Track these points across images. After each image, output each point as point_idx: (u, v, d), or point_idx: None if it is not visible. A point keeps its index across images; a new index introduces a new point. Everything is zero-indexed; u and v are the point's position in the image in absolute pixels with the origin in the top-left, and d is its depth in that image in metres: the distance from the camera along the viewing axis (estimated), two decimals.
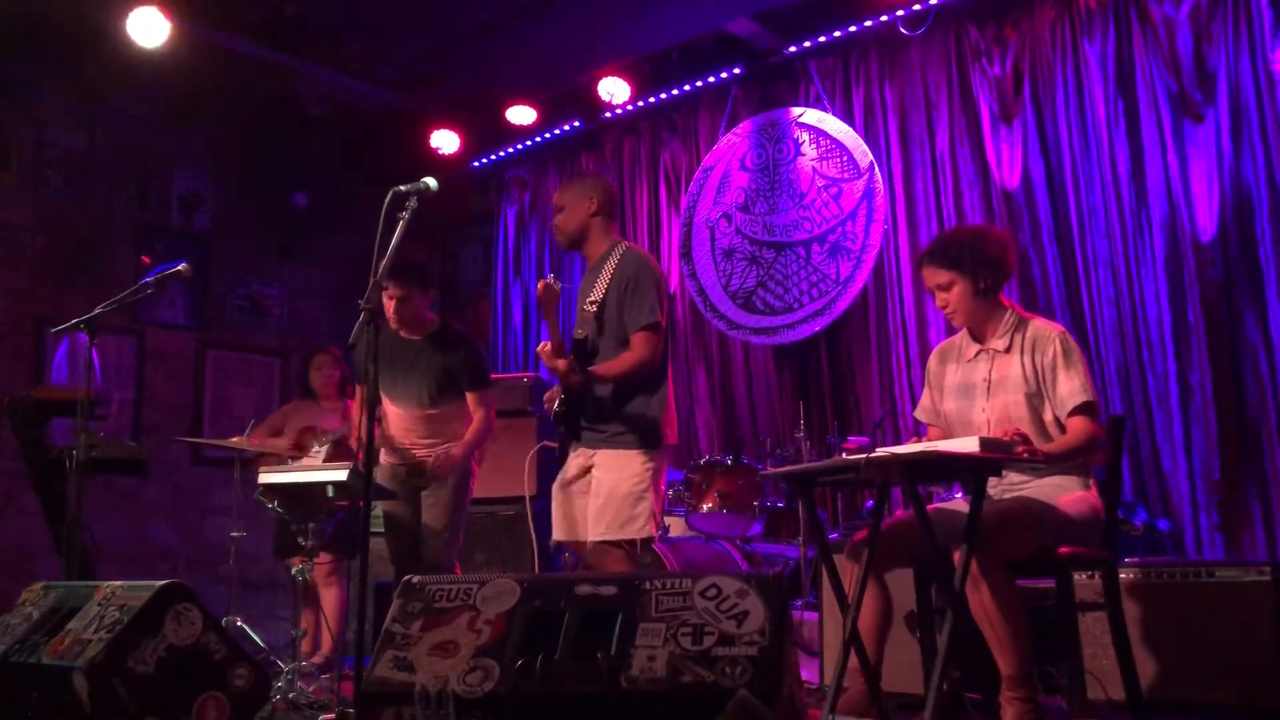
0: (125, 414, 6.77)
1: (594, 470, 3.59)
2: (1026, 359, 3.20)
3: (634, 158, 7.16)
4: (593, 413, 3.59)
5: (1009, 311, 3.31)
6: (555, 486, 3.74)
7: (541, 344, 3.50)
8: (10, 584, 4.45)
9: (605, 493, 3.51)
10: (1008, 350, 3.25)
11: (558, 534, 3.70)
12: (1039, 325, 3.27)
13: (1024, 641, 2.88)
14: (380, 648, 2.50)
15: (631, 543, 3.49)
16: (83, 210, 6.77)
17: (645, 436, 3.56)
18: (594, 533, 3.50)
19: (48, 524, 4.90)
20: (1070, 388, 3.11)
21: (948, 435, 3.29)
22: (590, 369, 3.53)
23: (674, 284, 6.83)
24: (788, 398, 6.17)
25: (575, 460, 3.68)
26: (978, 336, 3.35)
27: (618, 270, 3.59)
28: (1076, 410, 3.11)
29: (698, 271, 6.66)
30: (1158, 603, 3.53)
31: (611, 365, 3.56)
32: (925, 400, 3.49)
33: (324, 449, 4.55)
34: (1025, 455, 2.87)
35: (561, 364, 3.45)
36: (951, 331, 3.60)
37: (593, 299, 3.59)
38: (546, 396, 3.71)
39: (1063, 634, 3.06)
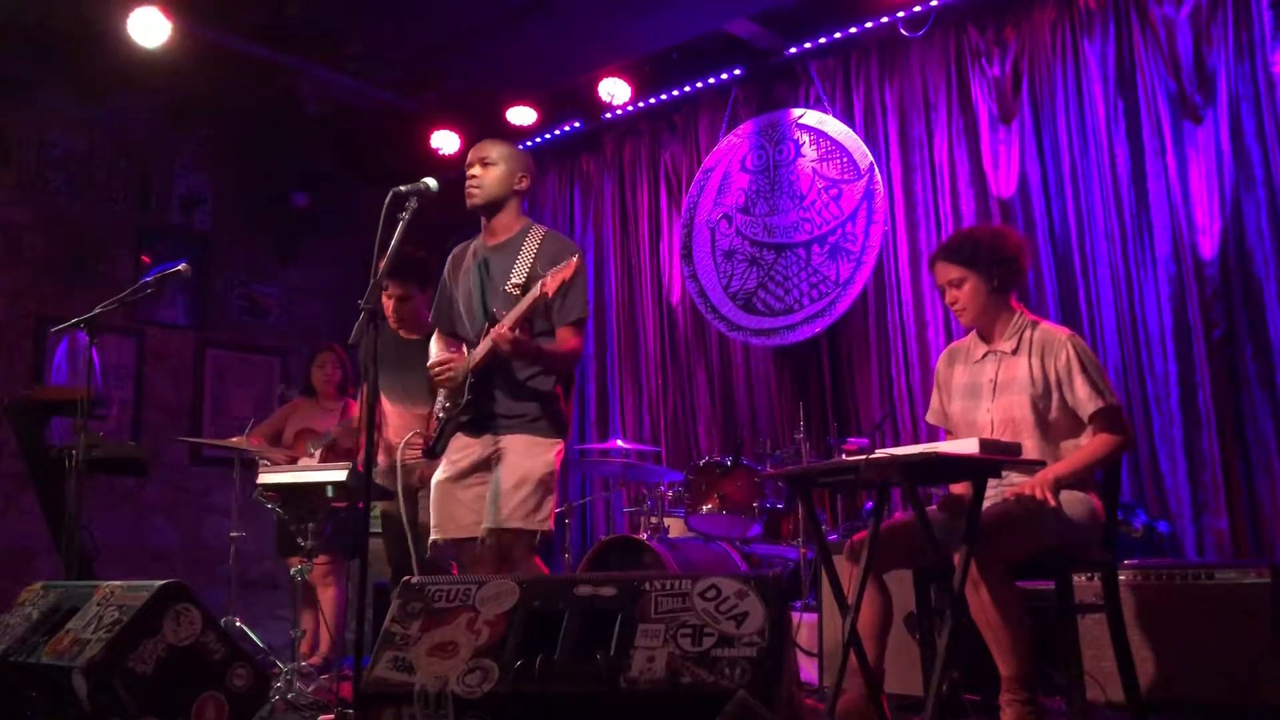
0: (125, 414, 6.78)
1: (502, 456, 3.33)
2: (1035, 360, 3.21)
3: (634, 158, 7.16)
4: (508, 398, 3.35)
5: (1018, 314, 3.32)
6: (438, 478, 3.45)
7: (499, 324, 3.22)
8: (10, 584, 4.45)
9: (519, 477, 3.28)
10: (1015, 352, 3.26)
11: (442, 532, 3.41)
12: (1048, 328, 3.28)
13: (1024, 643, 2.88)
14: (379, 648, 2.50)
15: (532, 534, 3.28)
16: (83, 210, 6.78)
17: (557, 425, 3.39)
18: (501, 517, 3.26)
19: (47, 524, 4.90)
20: (1085, 392, 3.13)
21: (955, 437, 3.30)
22: (543, 349, 3.31)
23: (675, 285, 6.85)
24: (787, 399, 6.17)
25: (468, 451, 3.40)
26: (986, 337, 3.36)
27: (544, 256, 3.35)
28: (1091, 418, 3.13)
29: (698, 273, 6.67)
30: (1157, 604, 3.53)
31: (554, 349, 3.35)
32: (935, 403, 3.49)
33: (318, 451, 4.55)
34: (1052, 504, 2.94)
35: (526, 337, 3.21)
36: (952, 333, 3.60)
37: (515, 282, 3.34)
38: (437, 361, 3.41)
39: (1062, 635, 3.06)
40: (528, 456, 3.31)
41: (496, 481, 3.32)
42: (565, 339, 3.37)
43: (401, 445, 3.90)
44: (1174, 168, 4.98)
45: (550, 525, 3.34)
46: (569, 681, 2.29)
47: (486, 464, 3.38)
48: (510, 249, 3.45)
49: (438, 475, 3.46)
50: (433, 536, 3.44)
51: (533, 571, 3.31)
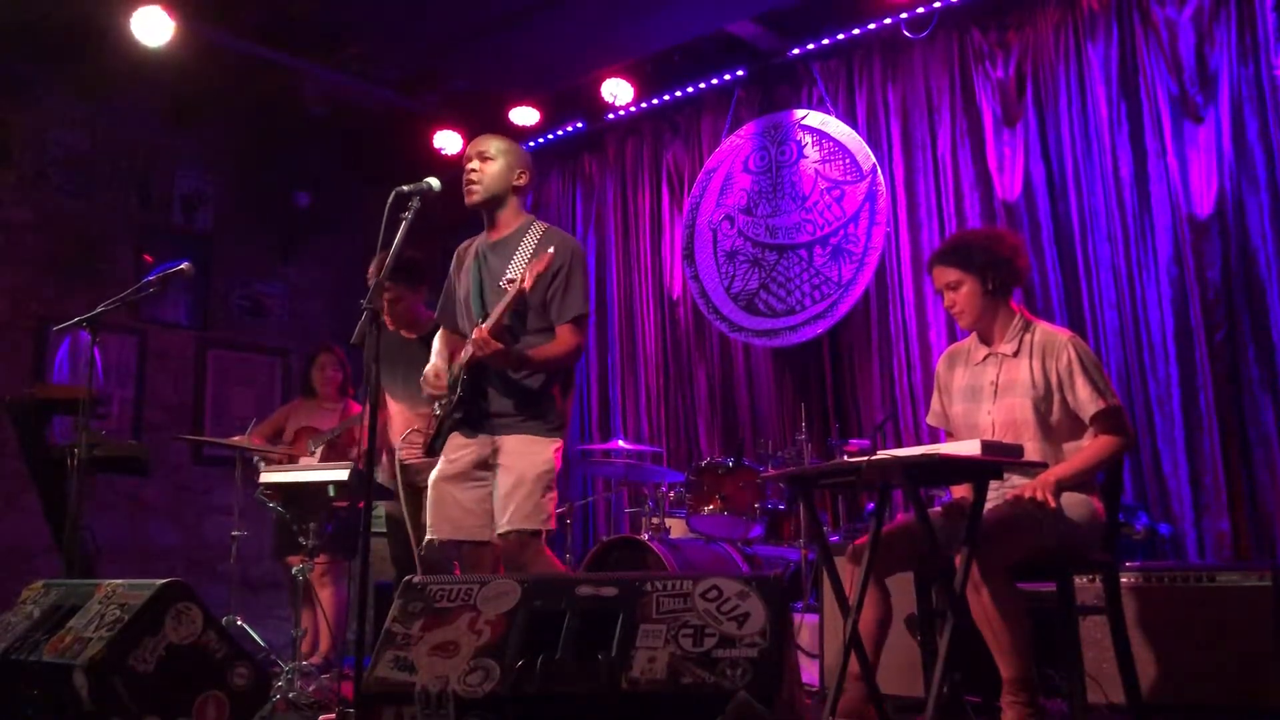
0: (126, 413, 6.77)
1: (499, 458, 3.32)
2: (1035, 363, 3.20)
3: (636, 159, 7.16)
4: (500, 397, 3.34)
5: (1017, 316, 3.31)
6: (435, 478, 3.42)
7: (478, 327, 3.21)
8: (11, 582, 4.45)
9: (514, 479, 3.27)
10: (1016, 354, 3.25)
11: (438, 532, 3.38)
12: (1047, 330, 3.27)
13: (1025, 645, 2.88)
14: (381, 648, 2.50)
15: (536, 534, 3.24)
16: (84, 209, 6.78)
17: (554, 423, 3.36)
18: (503, 521, 3.25)
19: (48, 523, 4.90)
20: (1087, 394, 3.12)
21: (956, 439, 3.29)
22: (527, 353, 3.28)
23: (676, 286, 6.85)
24: (789, 400, 6.17)
25: (466, 451, 3.38)
26: (985, 339, 3.35)
27: (541, 251, 3.30)
28: (1093, 419, 3.12)
29: (700, 273, 6.66)
30: (1158, 607, 3.53)
31: (544, 351, 3.32)
32: (935, 405, 3.48)
33: (318, 449, 4.55)
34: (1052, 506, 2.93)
35: (503, 347, 3.19)
36: (954, 335, 3.59)
37: (510, 278, 3.29)
38: (431, 373, 3.42)
39: (1063, 637, 3.06)
40: (522, 457, 3.28)
41: (497, 486, 3.32)
42: (564, 337, 3.34)
43: (400, 443, 3.91)
44: (1176, 169, 4.98)
45: (552, 524, 3.31)
46: (570, 681, 2.29)
47: (485, 464, 3.36)
48: (509, 245, 3.42)
49: (435, 474, 3.43)
50: (428, 536, 3.40)
51: (545, 568, 3.28)
